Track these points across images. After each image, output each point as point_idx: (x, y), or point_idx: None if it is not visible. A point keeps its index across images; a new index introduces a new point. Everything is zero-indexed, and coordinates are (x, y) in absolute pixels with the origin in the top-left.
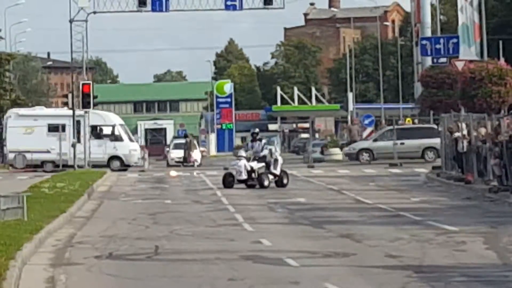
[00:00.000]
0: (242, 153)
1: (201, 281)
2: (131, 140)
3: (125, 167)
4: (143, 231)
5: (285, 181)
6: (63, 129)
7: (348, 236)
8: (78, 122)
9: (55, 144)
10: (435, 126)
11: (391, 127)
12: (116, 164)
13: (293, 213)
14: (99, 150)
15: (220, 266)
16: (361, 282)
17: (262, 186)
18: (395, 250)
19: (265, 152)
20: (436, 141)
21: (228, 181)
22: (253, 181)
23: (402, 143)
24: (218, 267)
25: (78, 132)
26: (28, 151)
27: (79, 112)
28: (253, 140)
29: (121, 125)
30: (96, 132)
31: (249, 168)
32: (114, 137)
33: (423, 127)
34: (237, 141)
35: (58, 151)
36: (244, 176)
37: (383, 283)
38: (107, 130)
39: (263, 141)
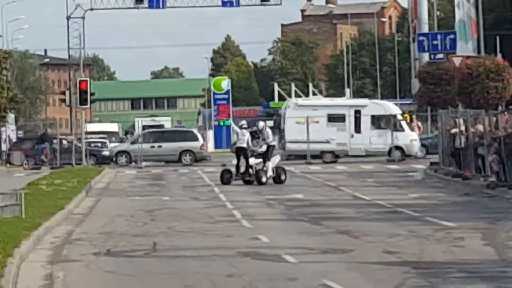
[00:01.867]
0: (245, 124)
1: (199, 278)
2: (411, 130)
3: (405, 157)
4: (141, 227)
5: (282, 177)
6: (343, 119)
7: (346, 232)
8: (358, 112)
9: (335, 134)
10: (194, 131)
11: (150, 130)
12: (396, 154)
13: (291, 210)
14: (380, 140)
15: (218, 263)
16: (359, 278)
17: (259, 183)
18: (393, 246)
19: (264, 148)
20: (193, 145)
21: (226, 177)
22: (251, 177)
23: (159, 146)
24: (216, 263)
25: (359, 122)
26: (307, 142)
27: (360, 102)
28: (253, 138)
29: (400, 115)
30: (377, 122)
31: (251, 145)
32: (395, 127)
33: (181, 131)
34: (234, 138)
35: (338, 142)
36: (244, 145)
37: (381, 279)
38: (388, 120)
39: (265, 127)
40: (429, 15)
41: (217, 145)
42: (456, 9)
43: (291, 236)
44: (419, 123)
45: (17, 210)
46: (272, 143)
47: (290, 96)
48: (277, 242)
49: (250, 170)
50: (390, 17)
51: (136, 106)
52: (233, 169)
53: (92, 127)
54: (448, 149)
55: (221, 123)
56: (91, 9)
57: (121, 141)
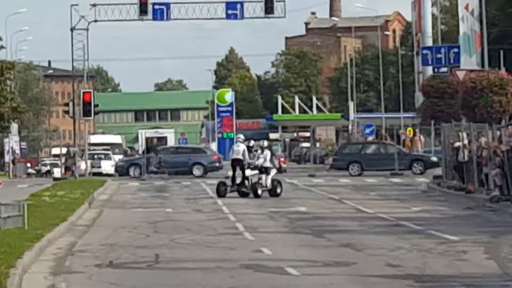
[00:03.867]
0: (241, 138)
1: None
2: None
3: None
4: (144, 239)
5: (278, 190)
6: None
7: (348, 245)
8: None
9: None
10: None
11: None
12: None
13: (294, 222)
14: None
15: (221, 275)
16: None
17: (256, 195)
18: (396, 259)
19: (260, 161)
20: None
21: (222, 190)
22: (246, 189)
23: None
24: (218, 275)
25: None
26: None
27: None
28: (249, 152)
29: None
30: None
31: (247, 157)
32: None
33: None
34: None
35: None
36: (240, 156)
37: None
38: None
39: (258, 151)
40: (433, 28)
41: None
42: (460, 22)
43: (293, 248)
44: (421, 137)
45: (20, 221)
46: (266, 165)
47: (293, 109)
48: (280, 255)
49: (246, 182)
50: (394, 31)
51: (139, 118)
52: (228, 181)
53: (95, 138)
54: (451, 162)
55: (225, 136)
56: (95, 21)
57: (125, 153)
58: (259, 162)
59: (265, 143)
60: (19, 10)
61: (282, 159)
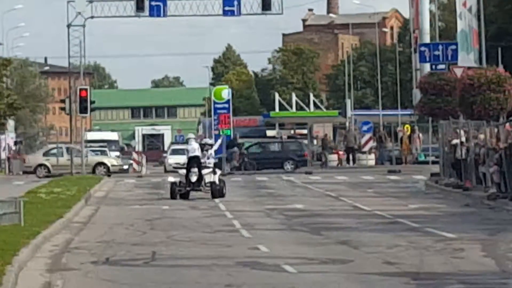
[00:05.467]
0: (192, 135)
1: (198, 287)
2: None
3: None
4: (140, 236)
5: (224, 190)
6: None
7: (345, 242)
8: None
9: None
10: None
11: None
12: None
13: (291, 220)
14: None
15: (217, 272)
16: None
17: (214, 196)
18: (393, 257)
19: (211, 160)
20: None
21: (175, 191)
22: (203, 189)
23: None
24: (215, 273)
25: None
26: None
27: None
28: (204, 150)
29: None
30: None
31: (200, 155)
32: None
33: None
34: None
35: None
36: (197, 153)
37: None
38: None
39: (209, 151)
40: (430, 25)
41: (217, 154)
42: (458, 19)
43: (290, 246)
44: (420, 134)
45: (16, 218)
46: (210, 165)
47: (290, 106)
48: (277, 252)
49: (202, 182)
50: (391, 27)
51: (136, 115)
52: (175, 179)
53: (92, 135)
54: (449, 160)
55: (221, 132)
56: (92, 17)
57: (121, 150)
58: (210, 161)
59: (212, 141)
60: (15, 6)
61: (341, 152)
